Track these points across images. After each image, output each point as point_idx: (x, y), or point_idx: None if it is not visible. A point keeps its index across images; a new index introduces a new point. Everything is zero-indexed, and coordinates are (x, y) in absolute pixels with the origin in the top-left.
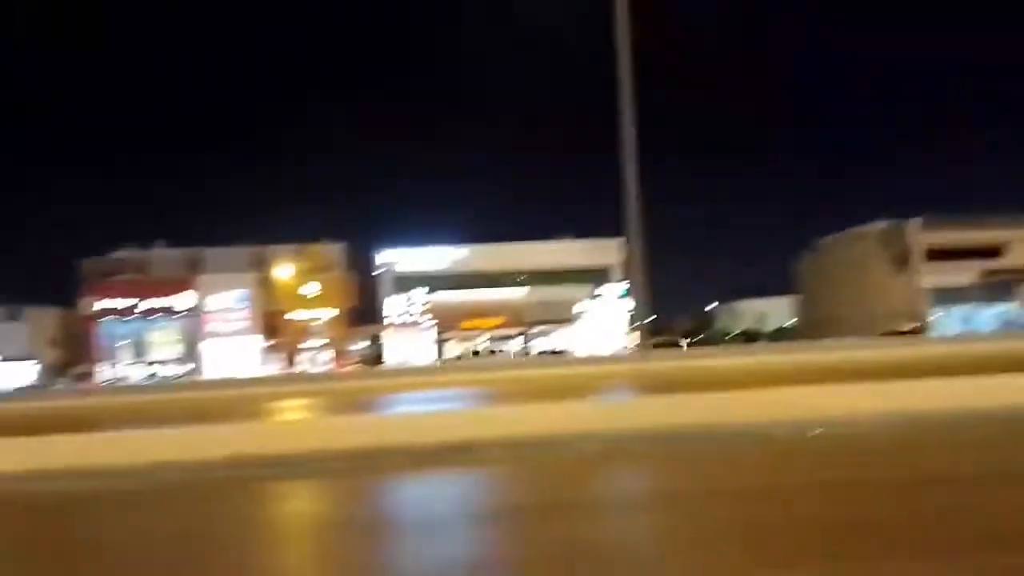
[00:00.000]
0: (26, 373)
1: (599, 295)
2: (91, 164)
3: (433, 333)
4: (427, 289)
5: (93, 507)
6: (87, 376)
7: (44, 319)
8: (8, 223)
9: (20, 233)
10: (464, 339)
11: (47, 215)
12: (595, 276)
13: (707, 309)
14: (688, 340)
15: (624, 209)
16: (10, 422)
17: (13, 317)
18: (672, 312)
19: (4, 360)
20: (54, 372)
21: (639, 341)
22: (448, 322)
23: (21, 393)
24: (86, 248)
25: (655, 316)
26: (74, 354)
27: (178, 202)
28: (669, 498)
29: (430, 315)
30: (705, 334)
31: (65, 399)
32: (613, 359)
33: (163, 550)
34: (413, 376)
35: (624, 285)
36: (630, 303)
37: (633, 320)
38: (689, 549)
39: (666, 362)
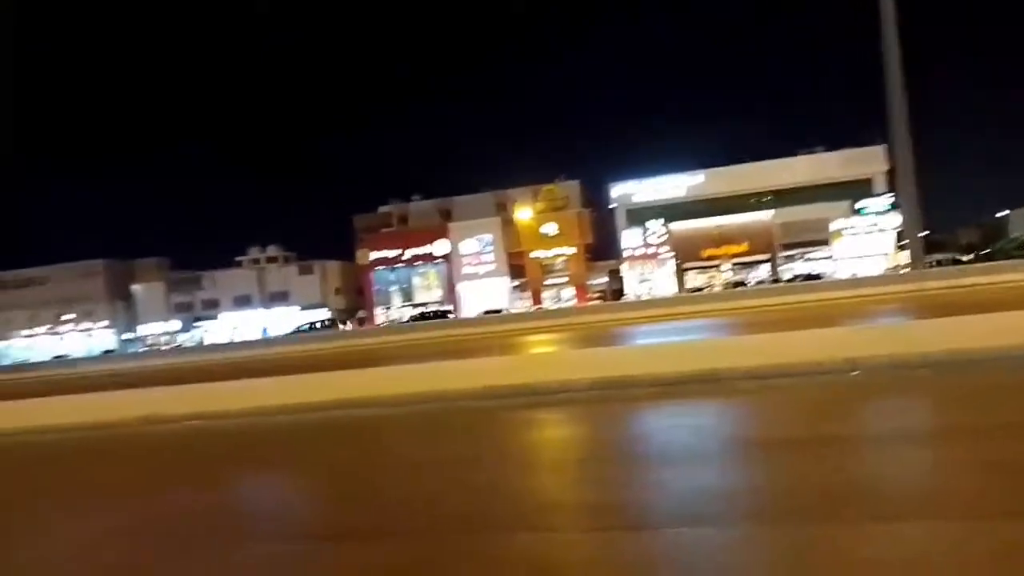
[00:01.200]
0: (319, 319)
1: (861, 210)
2: (357, 127)
3: (672, 264)
4: (664, 219)
5: (376, 432)
6: (366, 319)
7: (331, 271)
8: (299, 187)
9: (308, 195)
10: (705, 269)
11: (328, 176)
12: (853, 190)
13: (996, 216)
14: (971, 255)
15: (889, 111)
16: (311, 361)
17: (307, 271)
18: (948, 225)
19: (302, 308)
20: (341, 317)
21: (910, 259)
22: (688, 252)
23: (317, 336)
24: (357, 205)
25: (928, 231)
26: (356, 300)
27: (431, 156)
28: (937, 430)
29: (668, 246)
30: (992, 248)
31: (351, 339)
32: (878, 280)
33: (433, 472)
34: (655, 308)
35: (889, 198)
36: (897, 218)
37: (902, 236)
38: (953, 483)
39: (939, 281)
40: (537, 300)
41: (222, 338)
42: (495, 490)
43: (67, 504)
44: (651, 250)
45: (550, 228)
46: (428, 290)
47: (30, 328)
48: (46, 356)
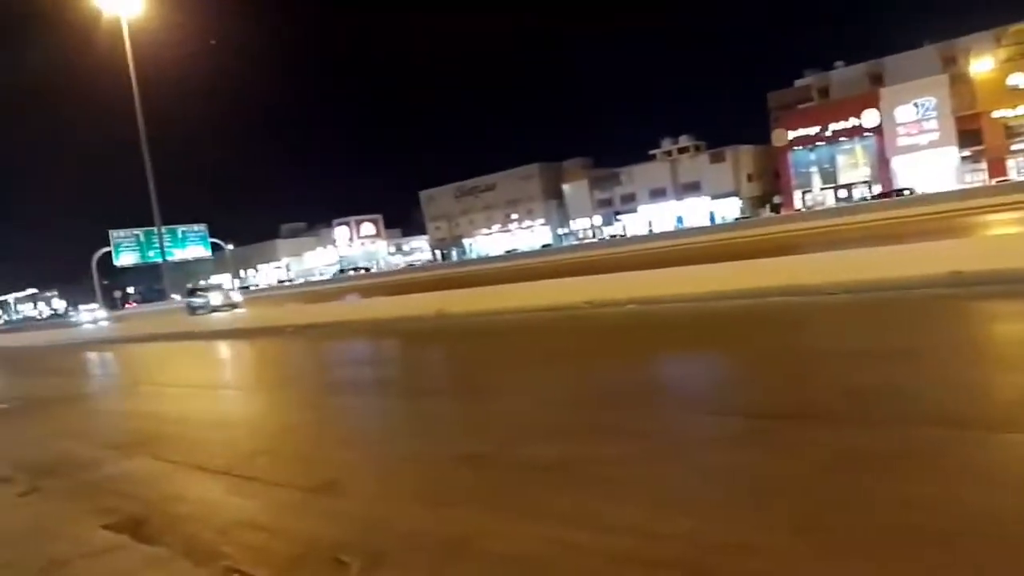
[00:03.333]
0: (731, 207)
1: None
2: None
3: None
4: None
5: (809, 320)
6: (782, 205)
7: (742, 156)
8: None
9: (718, 78)
10: None
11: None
12: None
13: None
14: None
15: None
16: (727, 249)
17: (719, 159)
18: None
19: (713, 198)
20: (754, 204)
21: None
22: None
23: (731, 224)
24: (770, 81)
25: None
26: (772, 185)
27: (854, 15)
28: None
29: None
30: None
31: (766, 227)
32: None
33: (890, 362)
34: None
35: None
36: None
37: None
38: None
39: None
40: (998, 171)
41: (640, 230)
42: (971, 386)
43: (529, 371)
44: None
45: (1020, 79)
46: (854, 168)
47: (487, 227)
48: (500, 250)
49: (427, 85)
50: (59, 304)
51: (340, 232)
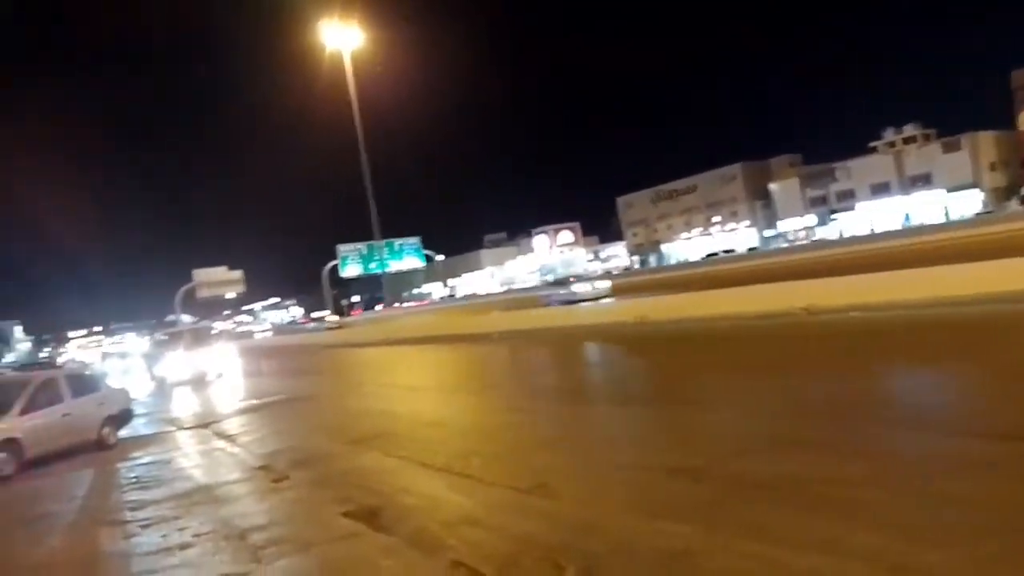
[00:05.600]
0: (970, 201)
1: None
2: None
3: None
4: None
5: None
6: None
7: (983, 143)
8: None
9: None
10: None
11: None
12: None
13: None
14: None
15: None
16: (965, 248)
17: (953, 148)
18: None
19: (948, 191)
20: (998, 197)
21: None
22: None
23: (971, 221)
24: (1011, 62)
25: None
26: (1016, 175)
27: None
28: None
29: None
30: None
31: (1013, 223)
32: None
33: None
34: None
35: None
36: None
37: None
38: None
39: None
40: None
41: (859, 230)
42: None
43: (740, 380)
44: None
45: None
46: None
47: (687, 231)
48: (699, 255)
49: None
50: (297, 312)
51: (539, 241)
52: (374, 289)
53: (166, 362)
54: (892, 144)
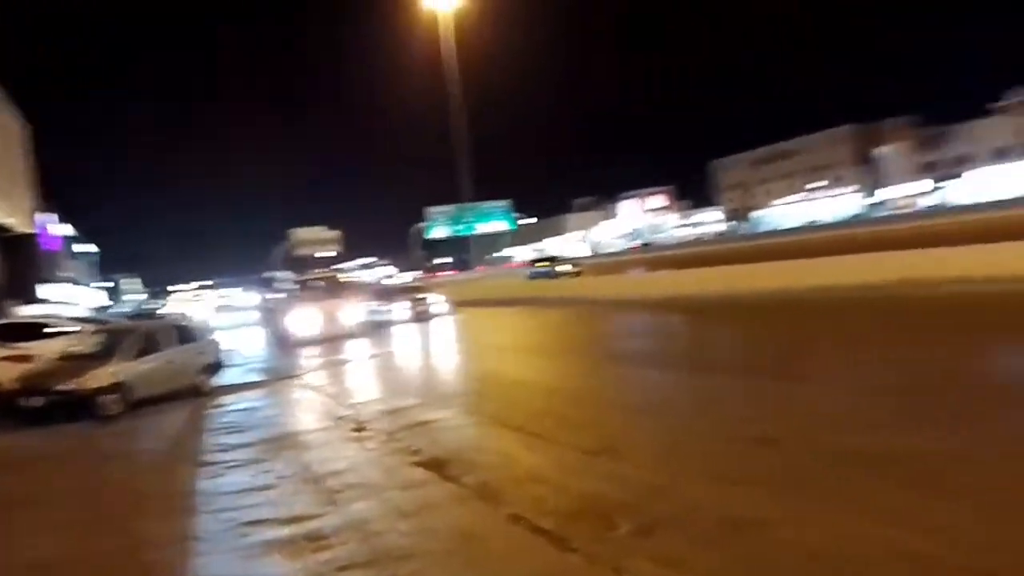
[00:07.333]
0: None
1: None
2: None
3: None
4: None
5: None
6: None
7: None
8: None
9: None
10: None
11: None
12: None
13: None
14: None
15: None
16: None
17: None
18: None
19: None
20: None
21: None
22: None
23: None
24: None
25: None
26: None
27: None
28: None
29: None
30: None
31: None
32: None
33: None
34: None
35: None
36: None
37: None
38: None
39: None
40: None
41: (970, 197)
42: None
43: (830, 354)
44: None
45: None
46: None
47: (788, 195)
48: (799, 222)
49: (727, 43)
50: (392, 270)
51: (627, 206)
52: (462, 251)
53: (294, 315)
54: (1012, 108)
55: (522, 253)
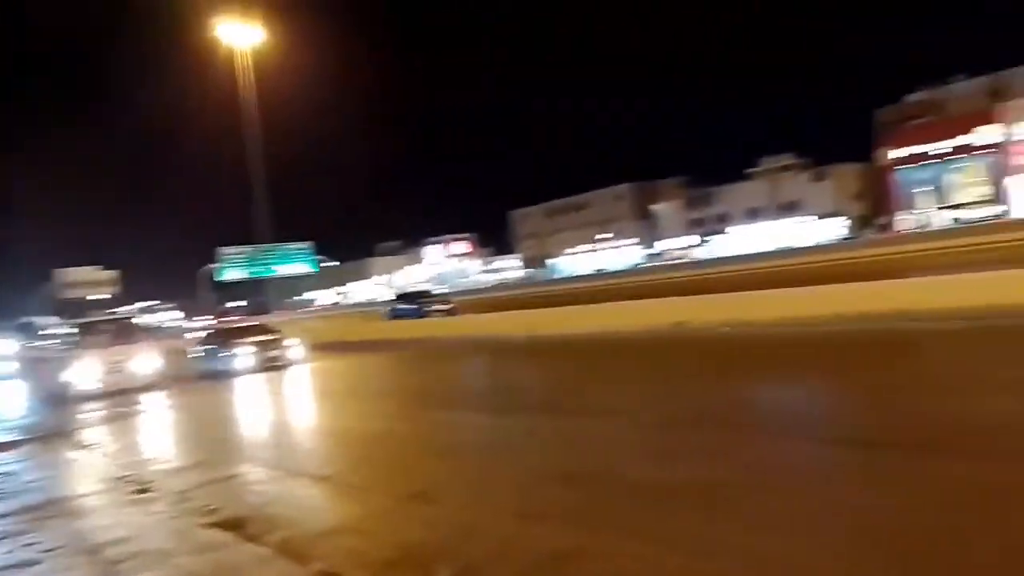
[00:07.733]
0: (835, 228)
1: None
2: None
3: None
4: None
5: (922, 346)
6: (888, 226)
7: (846, 176)
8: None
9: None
10: None
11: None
12: None
13: None
14: None
15: None
16: (825, 271)
17: (819, 177)
18: None
19: (817, 218)
20: (859, 224)
21: None
22: None
23: (830, 247)
24: (880, 99)
25: None
26: (875, 206)
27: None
28: None
29: None
30: None
31: (870, 248)
32: None
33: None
34: None
35: None
36: None
37: None
38: None
39: None
40: None
41: (730, 251)
42: None
43: (617, 390)
44: None
45: None
46: (968, 188)
47: (576, 246)
48: (587, 270)
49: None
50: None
51: (432, 251)
52: (257, 293)
53: (73, 365)
54: (768, 172)
55: (325, 296)
